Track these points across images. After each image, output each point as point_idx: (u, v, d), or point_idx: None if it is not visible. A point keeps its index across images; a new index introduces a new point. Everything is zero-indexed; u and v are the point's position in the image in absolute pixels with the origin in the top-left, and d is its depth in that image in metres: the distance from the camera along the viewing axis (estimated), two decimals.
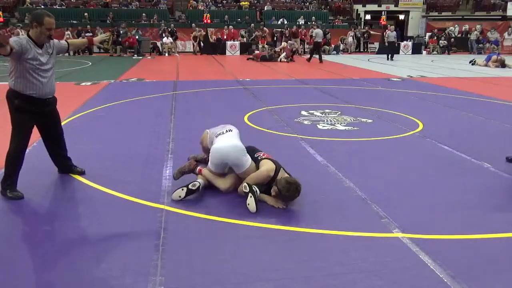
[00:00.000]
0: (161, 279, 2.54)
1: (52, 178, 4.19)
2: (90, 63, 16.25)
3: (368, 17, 29.46)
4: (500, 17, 27.59)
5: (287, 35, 20.42)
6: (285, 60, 17.82)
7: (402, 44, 23.59)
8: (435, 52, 23.62)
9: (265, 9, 26.49)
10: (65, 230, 3.23)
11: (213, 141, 3.97)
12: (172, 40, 20.94)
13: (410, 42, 24.12)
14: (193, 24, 21.78)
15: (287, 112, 7.53)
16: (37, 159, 4.75)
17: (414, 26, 29.08)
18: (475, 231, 3.20)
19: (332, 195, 3.84)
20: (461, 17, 27.99)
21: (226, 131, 3.98)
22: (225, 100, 8.88)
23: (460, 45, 25.06)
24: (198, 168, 3.98)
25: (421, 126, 6.49)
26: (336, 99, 8.96)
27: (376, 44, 24.44)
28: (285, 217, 3.42)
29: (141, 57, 19.24)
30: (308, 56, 18.19)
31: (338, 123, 6.68)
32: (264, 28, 22.44)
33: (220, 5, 26.89)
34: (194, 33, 21.32)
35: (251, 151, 3.95)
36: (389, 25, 23.74)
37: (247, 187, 3.54)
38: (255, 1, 27.50)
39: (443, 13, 28.73)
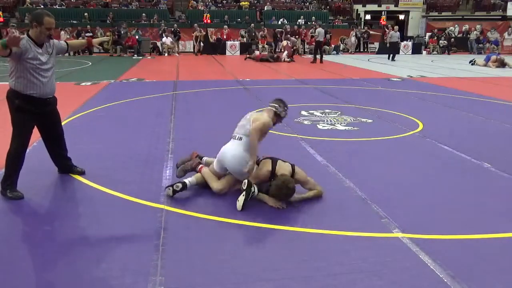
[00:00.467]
0: (161, 279, 2.54)
1: (52, 178, 4.19)
2: (90, 63, 16.25)
3: (368, 17, 29.46)
4: (500, 17, 27.59)
5: (288, 31, 20.36)
6: (288, 59, 17.78)
7: (402, 44, 23.58)
8: (435, 52, 23.63)
9: (265, 9, 26.49)
10: (65, 230, 3.23)
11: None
12: (172, 40, 20.93)
13: (410, 42, 24.13)
14: (195, 24, 21.77)
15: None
16: (37, 159, 4.75)
17: (414, 26, 29.08)
18: (475, 231, 3.20)
19: (332, 195, 3.84)
20: (461, 17, 27.99)
21: (237, 138, 3.88)
22: (225, 100, 8.88)
23: (460, 45, 25.05)
24: (200, 166, 4.02)
25: (421, 126, 6.49)
26: (336, 99, 8.96)
27: (376, 44, 24.44)
28: (285, 217, 3.42)
29: (141, 57, 19.24)
30: (312, 57, 18.08)
31: (338, 123, 6.68)
32: (264, 28, 22.44)
33: (220, 5, 26.88)
34: (195, 32, 21.27)
35: None
36: (389, 25, 23.80)
37: (246, 184, 3.56)
38: (255, 1, 27.50)
39: (443, 13, 28.73)
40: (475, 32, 24.73)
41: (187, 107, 7.89)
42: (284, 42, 19.48)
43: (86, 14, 23.04)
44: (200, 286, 2.51)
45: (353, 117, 7.08)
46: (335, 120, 6.88)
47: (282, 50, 19.06)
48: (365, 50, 24.66)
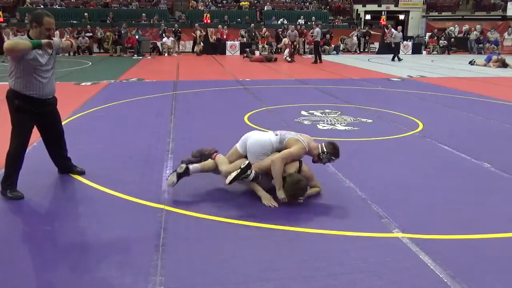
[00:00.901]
0: (161, 279, 2.54)
1: (52, 178, 4.19)
2: (90, 63, 16.25)
3: (368, 17, 29.47)
4: (500, 17, 27.59)
5: (291, 30, 20.34)
6: (289, 59, 17.75)
7: (402, 44, 23.59)
8: (435, 52, 23.62)
9: (265, 9, 26.50)
10: (65, 230, 3.23)
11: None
12: (173, 40, 20.90)
13: (410, 42, 24.12)
14: (196, 24, 21.75)
15: (287, 112, 7.53)
16: (37, 159, 4.75)
17: (414, 26, 29.10)
18: (475, 231, 3.20)
19: (332, 195, 3.84)
20: (461, 17, 27.99)
21: (275, 132, 3.97)
22: (225, 100, 8.88)
23: (460, 45, 25.05)
24: (215, 154, 4.08)
25: (421, 126, 6.49)
26: (336, 99, 8.96)
27: (376, 44, 24.44)
28: (285, 217, 3.42)
29: (141, 57, 19.25)
30: (312, 57, 18.01)
31: (338, 123, 6.68)
32: (264, 29, 22.45)
33: (220, 5, 26.89)
34: (198, 32, 21.16)
35: None
36: (390, 25, 23.78)
37: (244, 164, 3.61)
38: (255, 1, 27.50)
39: (443, 13, 28.74)
40: (475, 32, 24.72)
41: (187, 107, 7.89)
42: (286, 40, 19.40)
43: (86, 14, 23.05)
44: (200, 286, 2.51)
45: (353, 117, 7.08)
46: (335, 120, 6.88)
47: (283, 49, 19.04)
48: (365, 50, 24.66)
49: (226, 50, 21.60)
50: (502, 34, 24.77)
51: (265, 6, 26.75)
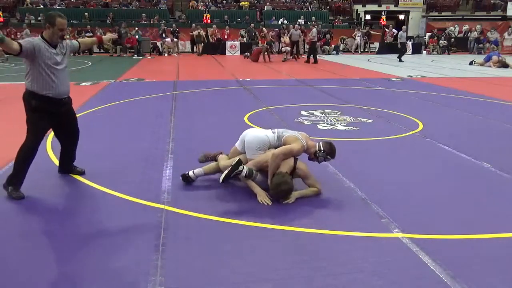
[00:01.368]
0: (161, 279, 2.54)
1: (52, 178, 4.19)
2: (90, 63, 16.25)
3: (368, 17, 29.46)
4: (500, 17, 27.60)
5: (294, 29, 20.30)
6: (285, 57, 17.69)
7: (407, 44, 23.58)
8: (435, 52, 23.63)
9: (265, 9, 26.50)
10: (64, 230, 3.23)
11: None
12: (175, 40, 20.86)
13: (410, 42, 24.10)
14: (193, 24, 21.74)
15: (287, 112, 7.53)
16: (37, 159, 4.75)
17: (414, 26, 29.08)
18: (475, 231, 3.20)
19: (332, 195, 3.85)
20: (461, 17, 28.00)
21: (272, 130, 4.07)
22: (225, 100, 8.88)
23: (460, 45, 25.06)
24: (219, 156, 4.18)
25: (421, 126, 6.49)
26: (336, 99, 8.96)
27: (376, 44, 24.44)
28: (285, 217, 3.43)
29: (141, 57, 19.25)
30: (306, 57, 18.06)
31: (338, 123, 6.68)
32: (264, 29, 22.44)
33: (220, 5, 26.89)
34: (195, 32, 21.10)
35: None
36: (390, 25, 23.78)
37: (235, 161, 3.67)
38: (255, 1, 27.50)
39: (443, 13, 28.74)
40: (474, 32, 24.72)
41: (187, 107, 7.89)
42: (286, 39, 19.33)
43: (86, 14, 23.05)
44: (200, 286, 2.51)
45: (353, 117, 7.08)
46: (335, 120, 6.88)
47: (284, 47, 19.06)
48: (365, 50, 24.66)
49: (226, 50, 21.61)
50: (502, 34, 24.78)
51: (265, 6, 26.75)
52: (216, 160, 4.17)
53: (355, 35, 24.08)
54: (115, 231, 3.21)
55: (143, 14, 23.70)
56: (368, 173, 4.47)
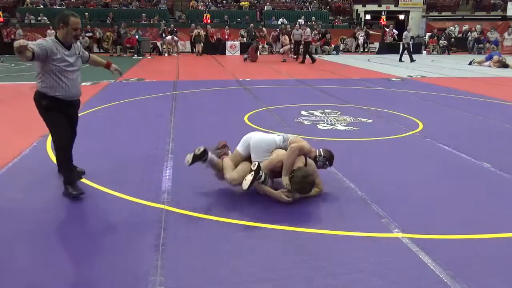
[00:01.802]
0: (161, 279, 2.54)
1: (52, 178, 4.19)
2: None
3: (368, 17, 29.46)
4: (500, 17, 27.60)
5: (289, 30, 20.31)
6: (291, 55, 17.67)
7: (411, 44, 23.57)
8: (435, 52, 23.63)
9: (265, 9, 26.50)
10: (64, 230, 3.23)
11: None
12: (176, 39, 20.81)
13: (410, 42, 24.08)
14: (192, 24, 21.73)
15: (287, 112, 7.53)
16: (37, 159, 4.77)
17: (414, 26, 29.08)
18: (475, 231, 3.20)
19: (332, 195, 3.85)
20: (461, 17, 28.00)
21: (277, 133, 4.09)
22: (225, 100, 8.88)
23: (460, 45, 25.07)
24: (224, 156, 4.06)
25: (421, 126, 6.49)
26: (336, 99, 8.96)
27: (376, 44, 24.44)
28: (285, 217, 3.42)
29: (141, 57, 19.25)
30: (308, 57, 18.02)
31: (338, 123, 6.68)
32: (264, 29, 22.44)
33: (220, 5, 26.89)
34: (198, 31, 21.06)
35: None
36: (390, 25, 23.76)
37: (255, 166, 3.59)
38: (255, 1, 27.51)
39: (443, 13, 28.74)
40: (474, 32, 24.72)
41: (187, 107, 7.89)
42: (286, 39, 19.31)
43: (86, 14, 23.04)
44: (200, 286, 2.51)
45: (353, 117, 7.08)
46: (335, 120, 6.88)
47: (283, 47, 19.08)
48: (365, 50, 24.66)
49: (226, 50, 21.61)
50: (502, 34, 24.78)
51: (265, 6, 26.75)
52: (219, 156, 4.06)
53: (358, 35, 24.01)
54: (115, 231, 3.22)
55: (143, 14, 23.71)
56: (368, 173, 4.47)
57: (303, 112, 7.45)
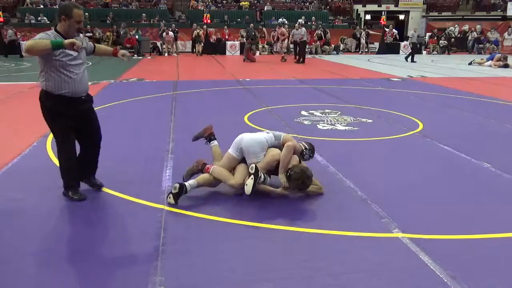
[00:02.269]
0: (161, 279, 2.54)
1: (52, 178, 4.18)
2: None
3: (368, 17, 29.46)
4: (500, 17, 27.58)
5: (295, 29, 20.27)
6: (285, 51, 17.68)
7: (402, 44, 23.60)
8: (435, 52, 23.62)
9: (265, 9, 26.50)
10: (64, 230, 3.23)
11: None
12: (173, 36, 20.72)
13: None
14: (194, 24, 21.72)
15: (287, 112, 7.53)
16: (37, 159, 4.76)
17: (414, 26, 29.07)
18: (475, 231, 3.20)
19: (332, 195, 3.85)
20: (461, 17, 27.99)
21: (266, 131, 4.09)
22: (225, 100, 8.88)
23: (460, 45, 25.06)
24: (206, 166, 3.92)
25: (421, 126, 6.49)
26: (336, 99, 8.96)
27: (376, 44, 24.43)
28: (285, 217, 3.43)
29: (141, 57, 19.24)
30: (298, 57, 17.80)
31: (338, 123, 6.68)
32: (264, 29, 22.43)
33: (220, 5, 26.89)
34: (198, 31, 21.01)
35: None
36: (390, 25, 23.73)
37: (253, 169, 3.60)
38: (255, 1, 27.50)
39: (443, 13, 28.74)
40: (474, 32, 24.71)
41: (187, 107, 7.89)
42: (284, 35, 19.27)
43: (86, 14, 23.00)
44: (200, 286, 2.51)
45: (353, 117, 7.08)
46: (335, 120, 6.88)
47: (281, 42, 19.12)
48: (365, 50, 24.63)
49: (226, 50, 21.61)
50: (502, 34, 24.77)
51: (265, 6, 26.75)
52: (203, 172, 3.91)
53: (361, 35, 23.91)
54: (115, 231, 3.22)
55: (143, 14, 23.70)
56: (368, 173, 4.47)
57: (303, 112, 7.45)
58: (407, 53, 18.22)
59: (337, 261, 2.77)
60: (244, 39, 19.06)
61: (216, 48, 21.61)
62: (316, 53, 22.48)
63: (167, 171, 4.41)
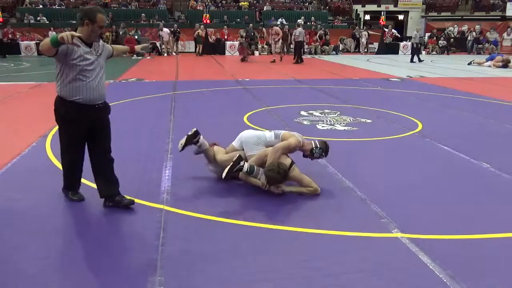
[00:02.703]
0: (161, 279, 2.54)
1: (52, 178, 4.18)
2: None
3: (367, 17, 29.48)
4: (499, 17, 27.60)
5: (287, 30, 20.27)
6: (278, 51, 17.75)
7: (402, 44, 23.62)
8: (434, 52, 23.64)
9: (265, 9, 26.49)
10: (63, 230, 3.23)
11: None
12: (169, 32, 20.62)
13: (410, 42, 24.10)
14: (196, 24, 21.68)
15: (286, 112, 7.53)
16: (36, 159, 4.76)
17: (414, 26, 29.08)
18: (475, 231, 3.20)
19: (331, 195, 3.85)
20: (460, 17, 28.01)
21: (268, 129, 4.36)
22: (224, 100, 8.88)
23: (459, 45, 25.07)
24: (213, 146, 4.31)
25: (420, 126, 6.50)
26: (335, 99, 8.97)
27: (376, 44, 24.43)
28: (285, 217, 3.43)
29: (140, 57, 19.22)
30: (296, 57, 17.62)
31: (337, 123, 6.68)
32: (264, 29, 22.43)
33: (220, 5, 26.88)
34: (198, 32, 20.96)
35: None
36: (389, 25, 23.73)
37: (235, 157, 3.78)
38: (255, 1, 27.50)
39: (442, 13, 28.75)
40: (473, 32, 24.72)
41: (187, 107, 7.89)
42: (278, 34, 19.29)
43: None
44: (200, 286, 2.51)
45: (352, 117, 7.08)
46: (334, 120, 6.88)
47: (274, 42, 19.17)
48: (365, 50, 24.64)
49: (226, 50, 21.60)
50: (501, 34, 24.79)
51: (265, 6, 26.74)
52: (211, 144, 4.33)
53: (362, 35, 23.90)
54: (115, 231, 3.22)
55: (143, 14, 23.69)
56: (368, 173, 4.47)
57: (303, 112, 7.45)
58: (411, 55, 18.23)
59: (337, 261, 2.78)
60: (243, 39, 19.09)
61: (215, 48, 21.61)
62: (316, 53, 22.49)
63: (167, 171, 4.41)
